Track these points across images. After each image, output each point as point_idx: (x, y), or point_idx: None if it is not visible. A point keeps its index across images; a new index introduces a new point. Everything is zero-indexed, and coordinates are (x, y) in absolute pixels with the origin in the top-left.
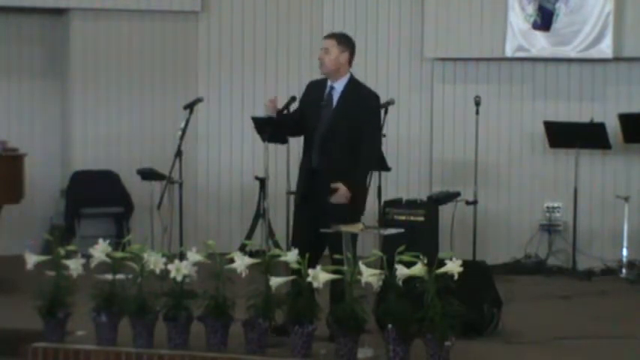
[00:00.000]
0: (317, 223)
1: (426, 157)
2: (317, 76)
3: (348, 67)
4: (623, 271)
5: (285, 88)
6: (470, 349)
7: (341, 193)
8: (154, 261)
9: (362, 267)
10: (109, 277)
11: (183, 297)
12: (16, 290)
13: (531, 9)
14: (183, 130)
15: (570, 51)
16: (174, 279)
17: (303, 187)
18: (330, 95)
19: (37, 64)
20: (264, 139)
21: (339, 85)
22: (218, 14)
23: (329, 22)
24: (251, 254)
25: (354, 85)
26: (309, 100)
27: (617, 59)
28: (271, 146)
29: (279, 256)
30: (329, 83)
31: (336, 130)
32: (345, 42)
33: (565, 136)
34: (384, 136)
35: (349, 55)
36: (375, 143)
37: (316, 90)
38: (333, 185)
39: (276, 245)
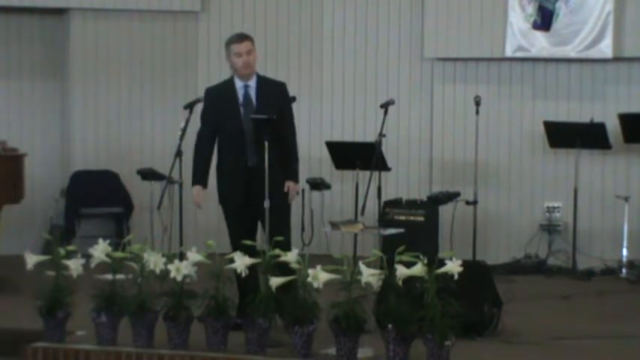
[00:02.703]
0: (255, 221)
1: (426, 157)
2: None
3: None
4: (623, 271)
5: None
6: (470, 349)
7: (293, 190)
8: (154, 261)
9: (362, 267)
10: (109, 277)
11: (183, 297)
12: (16, 290)
13: (531, 9)
14: (183, 130)
15: (570, 51)
16: (174, 279)
17: (244, 187)
18: (248, 94)
19: (37, 64)
20: (264, 140)
21: (252, 83)
22: (218, 14)
23: (329, 22)
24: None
25: (264, 80)
26: (221, 105)
27: (617, 59)
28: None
29: (279, 256)
30: (240, 83)
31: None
32: (254, 42)
33: (565, 136)
34: (384, 135)
35: None
36: (295, 131)
37: (222, 93)
38: (287, 186)
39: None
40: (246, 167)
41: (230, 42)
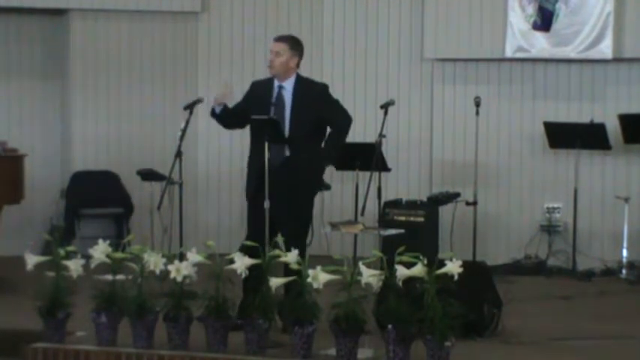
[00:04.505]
0: (274, 216)
1: (426, 158)
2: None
3: (297, 68)
4: (623, 271)
5: None
6: (470, 350)
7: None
8: (154, 261)
9: (362, 267)
10: (109, 277)
11: (183, 297)
12: (16, 290)
13: (531, 9)
14: (183, 131)
15: (570, 52)
16: (174, 279)
17: (261, 184)
18: (281, 95)
19: (37, 64)
20: (264, 140)
21: (288, 84)
22: (218, 14)
23: (329, 22)
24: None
25: (302, 82)
26: (256, 100)
27: (617, 59)
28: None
29: (279, 256)
30: (276, 83)
31: (295, 128)
32: (296, 46)
33: (565, 136)
34: (384, 136)
35: (299, 59)
36: (344, 127)
37: (262, 89)
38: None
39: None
40: (264, 165)
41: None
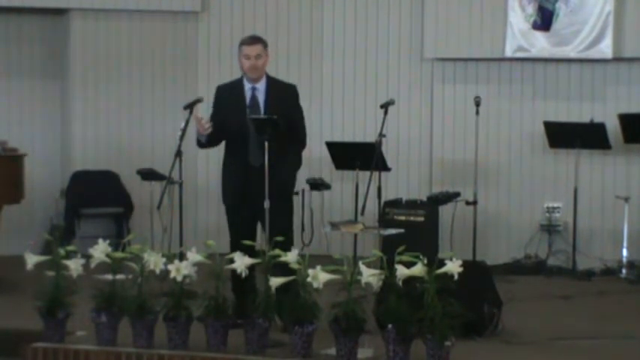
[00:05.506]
0: (255, 219)
1: (426, 157)
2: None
3: None
4: (623, 271)
5: None
6: (470, 350)
7: None
8: (154, 261)
9: (362, 267)
10: (109, 277)
11: (183, 297)
12: (16, 290)
13: (531, 9)
14: (183, 131)
15: (570, 51)
16: (174, 279)
17: (243, 186)
18: (255, 96)
19: (37, 64)
20: (264, 140)
21: (260, 86)
22: (218, 14)
23: (329, 22)
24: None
25: (273, 83)
26: (228, 104)
27: (617, 59)
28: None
29: (279, 256)
30: (248, 85)
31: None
32: (267, 46)
33: (565, 136)
34: (384, 136)
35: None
36: (302, 138)
37: (232, 93)
38: None
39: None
40: (246, 167)
41: (242, 42)
